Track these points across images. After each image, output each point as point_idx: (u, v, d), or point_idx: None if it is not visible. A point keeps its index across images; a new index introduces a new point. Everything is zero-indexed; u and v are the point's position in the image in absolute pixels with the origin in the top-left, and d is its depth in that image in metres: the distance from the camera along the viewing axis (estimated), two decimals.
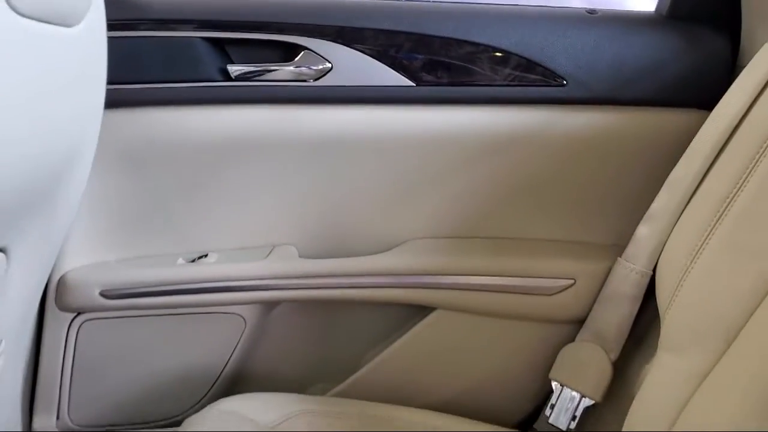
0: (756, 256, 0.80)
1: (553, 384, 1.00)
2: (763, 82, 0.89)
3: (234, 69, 0.97)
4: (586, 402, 0.98)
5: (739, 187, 0.86)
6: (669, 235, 0.93)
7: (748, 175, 0.86)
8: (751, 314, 0.79)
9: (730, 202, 0.87)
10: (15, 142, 0.55)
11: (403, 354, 1.05)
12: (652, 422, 0.84)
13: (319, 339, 1.09)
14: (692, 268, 0.88)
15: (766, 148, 0.85)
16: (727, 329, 0.80)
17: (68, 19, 0.62)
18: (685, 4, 1.03)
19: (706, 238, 0.87)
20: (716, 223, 0.87)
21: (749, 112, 0.89)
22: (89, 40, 0.71)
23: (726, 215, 0.87)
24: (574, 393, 0.98)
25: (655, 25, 1.03)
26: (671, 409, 0.82)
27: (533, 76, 1.00)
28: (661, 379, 0.87)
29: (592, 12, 1.03)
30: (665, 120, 1.01)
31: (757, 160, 0.85)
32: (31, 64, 0.55)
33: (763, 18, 0.95)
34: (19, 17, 0.51)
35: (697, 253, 0.88)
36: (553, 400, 1.00)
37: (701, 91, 0.98)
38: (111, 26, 0.84)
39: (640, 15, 1.05)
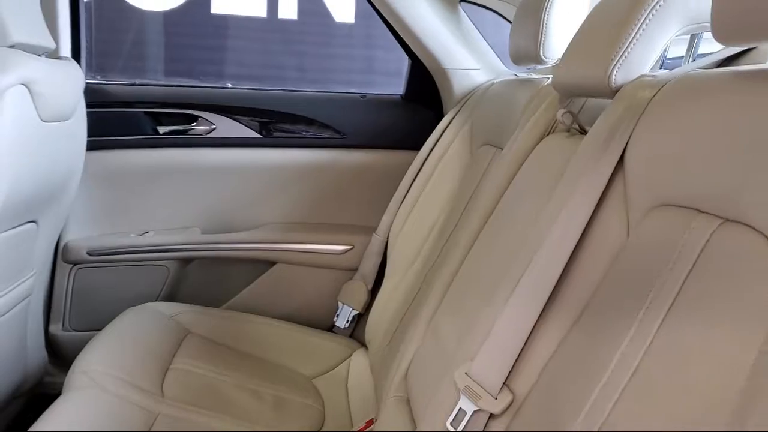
0: (423, 223, 1.49)
1: (339, 303, 1.68)
2: (438, 137, 1.58)
3: (161, 128, 1.66)
4: (354, 312, 1.65)
5: (422, 190, 1.55)
6: (394, 218, 1.61)
7: (425, 183, 1.55)
8: (420, 251, 1.47)
9: (418, 198, 1.56)
10: (46, 170, 1.24)
11: (260, 287, 1.73)
12: (377, 317, 1.52)
13: (214, 281, 1.76)
14: (400, 233, 1.56)
15: (432, 168, 1.54)
16: (410, 261, 1.48)
17: (66, 117, 1.31)
18: (412, 93, 1.73)
19: (407, 217, 1.56)
20: (411, 209, 1.56)
21: (432, 151, 1.58)
22: (77, 122, 1.40)
23: (415, 205, 1.55)
24: (348, 307, 1.66)
25: (398, 103, 1.73)
26: (383, 307, 1.50)
27: (328, 132, 1.70)
28: (382, 294, 1.55)
29: (363, 96, 1.73)
30: (400, 156, 1.71)
31: (427, 174, 1.54)
32: (51, 141, 1.24)
33: (449, 101, 1.64)
34: (43, 123, 1.20)
35: (402, 226, 1.57)
36: (338, 312, 1.68)
37: (418, 140, 1.66)
38: (92, 105, 1.53)
39: (390, 97, 1.76)
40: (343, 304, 1.67)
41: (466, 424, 0.73)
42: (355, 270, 1.69)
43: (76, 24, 1.61)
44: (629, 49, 0.78)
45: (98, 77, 1.71)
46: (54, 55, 1.42)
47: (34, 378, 1.55)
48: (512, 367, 0.72)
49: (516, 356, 0.72)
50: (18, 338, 1.41)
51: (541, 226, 0.78)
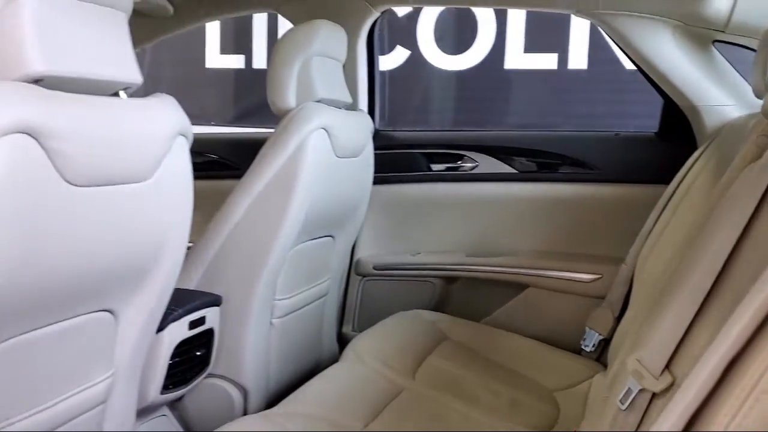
0: (665, 253, 1.53)
1: (586, 328, 1.76)
2: (686, 171, 1.61)
3: (434, 166, 1.96)
4: (600, 337, 1.72)
5: (667, 222, 1.59)
6: (641, 249, 1.66)
7: (671, 215, 1.59)
8: (659, 279, 1.52)
9: (663, 230, 1.60)
10: (338, 196, 1.59)
11: (513, 308, 1.89)
12: (619, 341, 1.59)
13: (473, 298, 1.96)
14: (645, 263, 1.62)
15: (679, 201, 1.57)
16: (651, 291, 1.53)
17: (356, 155, 1.65)
18: (666, 129, 1.77)
19: (652, 248, 1.61)
20: (657, 241, 1.60)
21: (680, 184, 1.61)
22: (365, 160, 1.75)
23: (660, 236, 1.60)
24: (595, 332, 1.74)
25: (650, 140, 1.79)
26: (624, 332, 1.57)
27: (580, 168, 1.82)
28: (624, 320, 1.61)
29: (617, 134, 1.82)
30: (650, 190, 1.74)
31: (673, 206, 1.58)
32: (343, 173, 1.59)
33: (702, 136, 1.66)
34: (337, 158, 1.55)
35: (648, 257, 1.62)
36: (585, 336, 1.76)
37: (669, 174, 1.68)
38: (380, 147, 1.88)
39: (644, 134, 1.81)
40: (590, 329, 1.75)
41: (631, 402, 0.83)
42: (602, 298, 1.76)
43: (372, 85, 1.99)
44: None
45: (389, 127, 2.08)
46: (352, 107, 1.81)
47: (325, 366, 1.92)
48: (674, 353, 0.81)
49: (677, 343, 0.81)
50: (315, 329, 1.79)
51: (712, 230, 0.85)
